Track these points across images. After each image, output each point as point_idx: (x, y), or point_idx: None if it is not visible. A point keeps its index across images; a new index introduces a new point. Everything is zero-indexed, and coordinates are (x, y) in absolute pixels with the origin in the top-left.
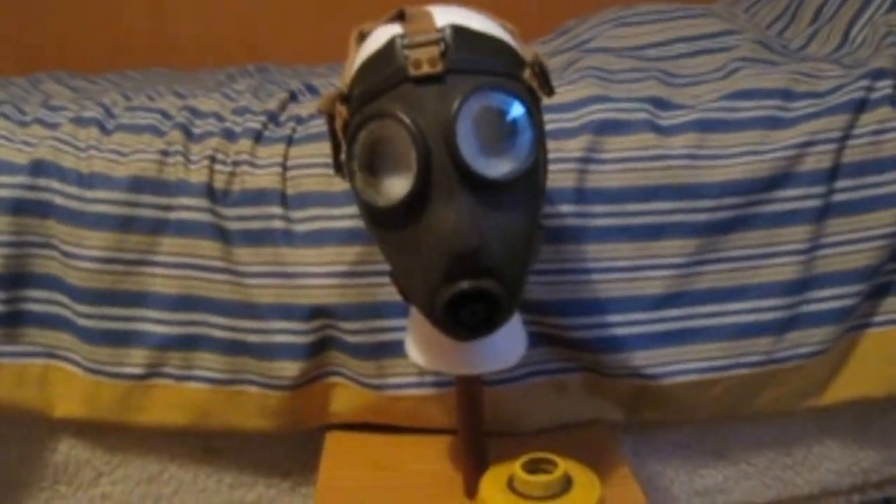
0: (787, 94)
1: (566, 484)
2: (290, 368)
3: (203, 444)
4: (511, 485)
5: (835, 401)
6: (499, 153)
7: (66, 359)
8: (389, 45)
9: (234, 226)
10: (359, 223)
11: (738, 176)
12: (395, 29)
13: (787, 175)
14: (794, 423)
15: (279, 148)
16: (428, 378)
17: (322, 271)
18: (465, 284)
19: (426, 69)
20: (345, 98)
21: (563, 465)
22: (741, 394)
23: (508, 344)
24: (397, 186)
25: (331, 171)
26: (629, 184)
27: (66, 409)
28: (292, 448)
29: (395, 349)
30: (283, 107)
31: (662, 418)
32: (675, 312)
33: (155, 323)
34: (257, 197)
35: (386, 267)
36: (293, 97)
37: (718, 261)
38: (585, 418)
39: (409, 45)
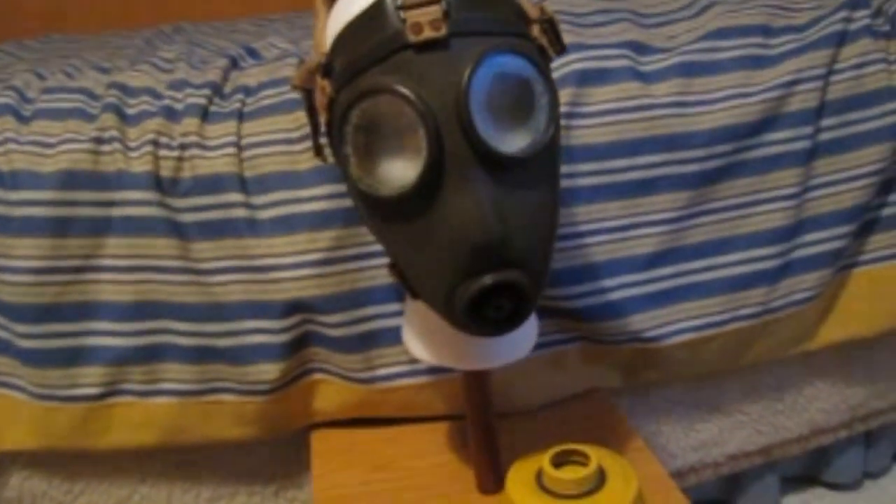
0: (767, 31)
1: (600, 478)
2: (268, 371)
3: (175, 459)
4: (541, 482)
5: (826, 343)
6: (515, 125)
7: (8, 385)
8: (379, 6)
9: (188, 218)
10: (330, 204)
11: (727, 121)
12: None
13: (775, 117)
14: (785, 368)
15: (230, 125)
16: (421, 365)
17: (295, 262)
18: (488, 279)
19: (428, 33)
20: (326, 70)
21: (596, 457)
22: (737, 347)
23: (522, 330)
24: (401, 172)
25: (294, 148)
26: (615, 138)
27: (16, 439)
28: (273, 451)
29: (382, 338)
30: (225, 76)
31: (661, 379)
32: (668, 270)
33: (109, 336)
34: (212, 183)
35: (365, 249)
36: (234, 64)
37: (709, 212)
38: (584, 388)
39: (406, 6)
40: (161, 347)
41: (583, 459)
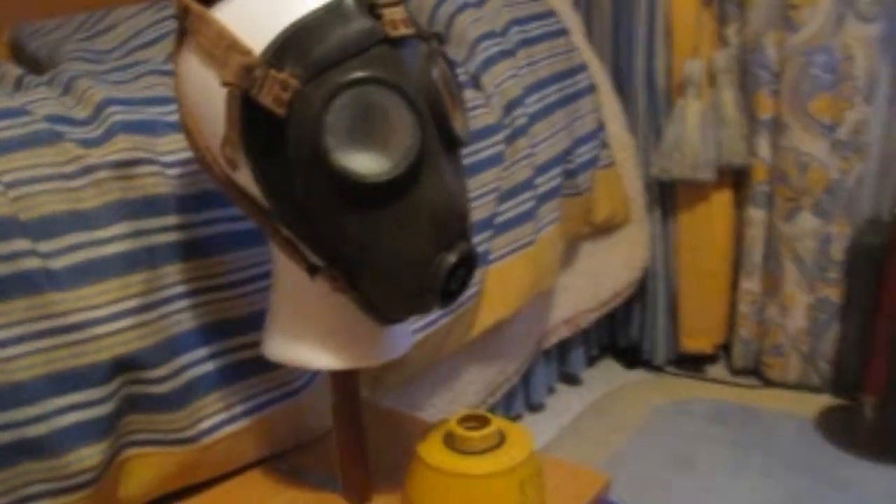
0: None
1: (501, 436)
2: (89, 457)
3: None
4: (448, 442)
5: (483, 328)
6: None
7: None
8: (341, 4)
9: None
10: (133, 244)
11: None
12: None
13: None
14: (451, 360)
15: None
16: (238, 408)
17: (112, 312)
18: (456, 252)
19: (403, 30)
20: (280, 65)
21: (495, 420)
22: (441, 341)
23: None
24: (382, 158)
25: (71, 184)
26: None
27: None
28: None
29: (202, 386)
30: None
31: (398, 382)
32: None
33: None
34: None
35: (172, 291)
36: None
37: None
38: None
39: (382, 4)
40: None
41: (484, 423)
